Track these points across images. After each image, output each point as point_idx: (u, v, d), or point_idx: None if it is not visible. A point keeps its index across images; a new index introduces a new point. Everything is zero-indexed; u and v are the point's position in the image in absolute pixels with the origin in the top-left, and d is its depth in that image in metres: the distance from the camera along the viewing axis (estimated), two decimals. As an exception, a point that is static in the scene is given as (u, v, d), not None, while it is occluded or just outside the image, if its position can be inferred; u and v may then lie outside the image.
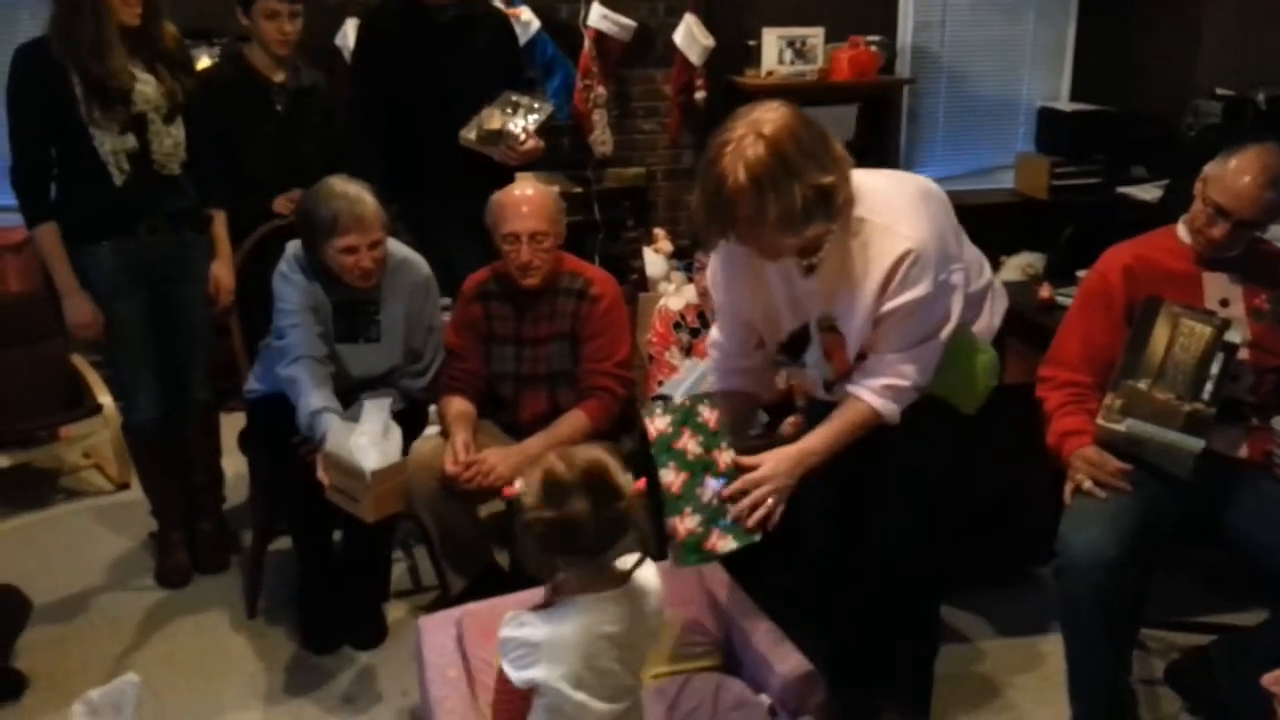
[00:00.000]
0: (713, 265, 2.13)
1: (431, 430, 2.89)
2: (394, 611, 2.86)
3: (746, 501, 1.93)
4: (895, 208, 1.88)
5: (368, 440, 2.31)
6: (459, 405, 2.73)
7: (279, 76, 3.10)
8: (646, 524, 1.68)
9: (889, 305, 1.86)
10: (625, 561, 1.63)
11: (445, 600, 2.78)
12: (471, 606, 2.35)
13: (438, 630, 2.28)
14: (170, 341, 2.93)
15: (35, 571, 3.02)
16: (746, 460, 1.96)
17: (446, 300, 2.91)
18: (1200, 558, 2.36)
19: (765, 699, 2.16)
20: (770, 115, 1.76)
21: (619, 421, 2.75)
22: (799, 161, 1.74)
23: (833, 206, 1.79)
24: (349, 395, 2.64)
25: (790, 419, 2.62)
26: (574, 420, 2.67)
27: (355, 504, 2.36)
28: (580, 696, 1.59)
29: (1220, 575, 2.64)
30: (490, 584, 2.71)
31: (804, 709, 2.16)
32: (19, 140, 2.67)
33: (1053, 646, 2.37)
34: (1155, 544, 2.06)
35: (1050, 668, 2.42)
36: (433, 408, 2.97)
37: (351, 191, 2.52)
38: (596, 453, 1.63)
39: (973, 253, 2.08)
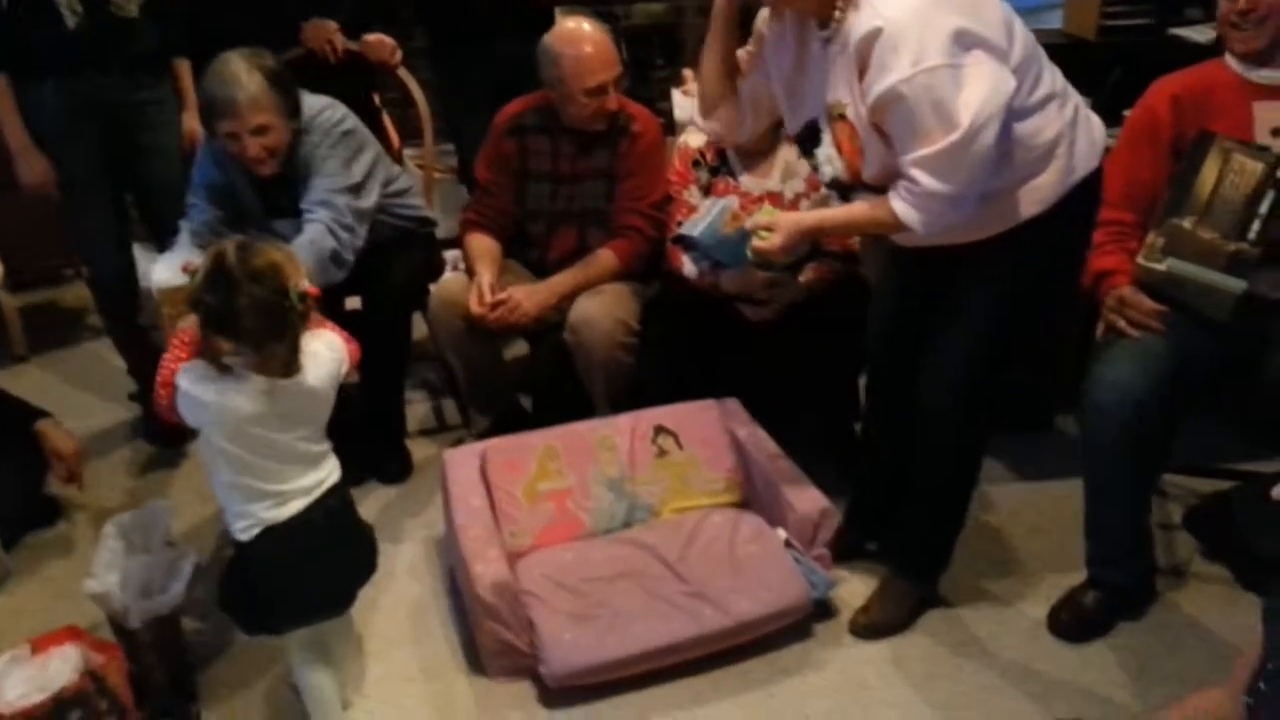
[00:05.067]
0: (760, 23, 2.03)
1: (453, 274, 2.87)
2: (419, 449, 2.89)
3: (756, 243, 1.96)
4: None
5: (163, 263, 2.24)
6: (484, 243, 2.69)
7: None
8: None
9: (870, 95, 1.70)
10: (293, 349, 1.73)
11: (468, 439, 2.82)
12: (495, 441, 2.38)
13: (462, 462, 2.32)
14: (145, 198, 2.83)
15: (65, 404, 3.07)
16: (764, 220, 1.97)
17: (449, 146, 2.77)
18: (1227, 404, 2.32)
19: (781, 533, 2.20)
20: None
21: (647, 263, 2.71)
22: None
23: None
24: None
25: (813, 264, 2.56)
26: (603, 259, 2.63)
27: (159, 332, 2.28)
28: (241, 453, 1.72)
29: (1246, 422, 2.62)
30: (513, 422, 2.74)
31: (818, 542, 2.19)
32: None
33: (1072, 491, 2.36)
34: (1186, 388, 2.02)
35: (1068, 512, 2.42)
36: (450, 253, 2.94)
37: (229, 72, 2.32)
38: (278, 255, 1.70)
39: (1034, 67, 1.81)
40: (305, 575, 1.80)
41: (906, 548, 2.21)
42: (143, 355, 2.99)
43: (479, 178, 2.76)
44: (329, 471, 1.84)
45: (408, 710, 2.03)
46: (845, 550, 2.28)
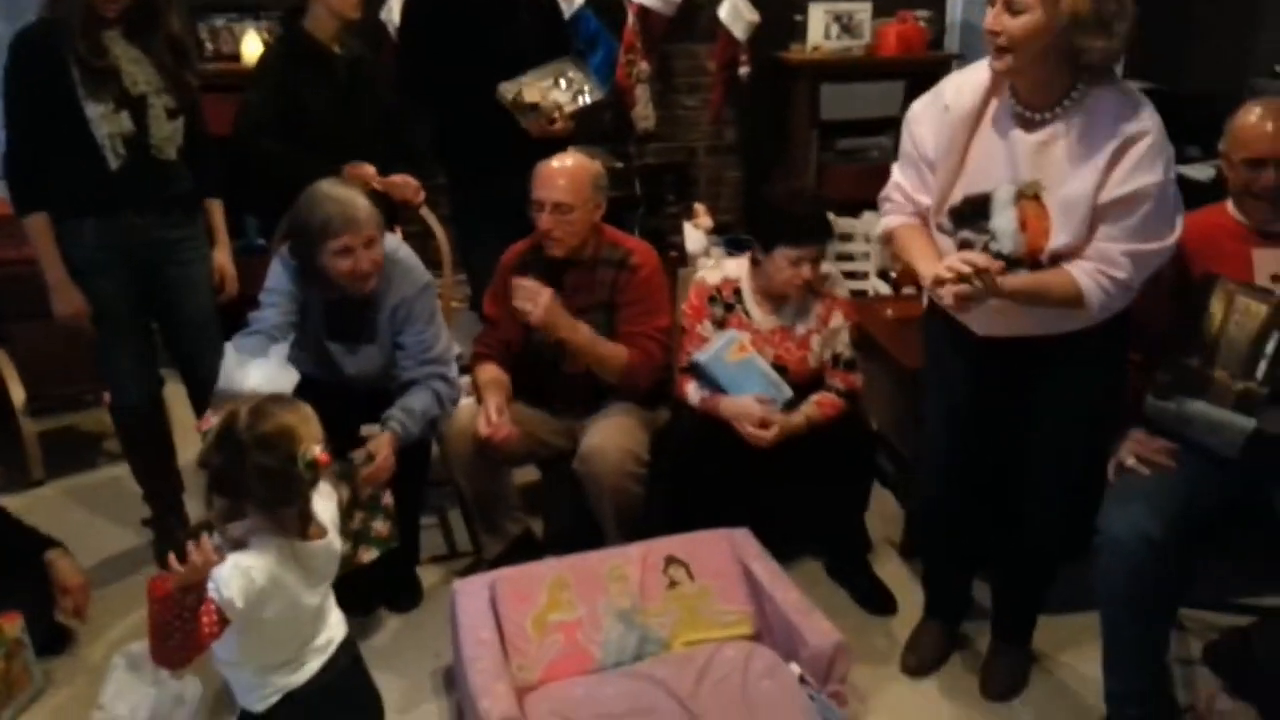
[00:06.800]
0: (921, 103, 2.09)
1: (466, 400, 2.91)
2: (429, 576, 2.88)
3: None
4: (1140, 98, 1.88)
5: (256, 368, 2.21)
6: (492, 372, 2.75)
7: (336, 47, 3.06)
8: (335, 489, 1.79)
9: (1117, 191, 1.84)
10: (304, 514, 1.68)
11: (479, 565, 2.81)
12: (506, 571, 2.37)
13: (472, 593, 2.30)
14: (174, 330, 2.89)
15: (80, 530, 3.08)
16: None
17: (463, 276, 2.84)
18: (1243, 539, 2.31)
19: (795, 668, 2.16)
20: None
21: (653, 380, 2.74)
22: None
23: (1106, 29, 1.80)
24: (345, 395, 2.63)
25: (816, 396, 2.61)
26: (617, 347, 2.67)
27: None
28: (278, 622, 1.65)
29: (1263, 557, 2.59)
30: (523, 550, 2.74)
31: (832, 678, 2.16)
32: (14, 125, 2.61)
33: (1096, 622, 2.35)
34: (1198, 524, 2.03)
35: (1092, 644, 2.39)
36: (464, 378, 3.00)
37: (341, 194, 2.50)
38: (292, 420, 1.64)
39: None
40: None
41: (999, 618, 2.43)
42: (160, 482, 3.03)
43: (486, 312, 2.85)
44: (336, 626, 1.80)
45: None
46: (919, 665, 2.44)
